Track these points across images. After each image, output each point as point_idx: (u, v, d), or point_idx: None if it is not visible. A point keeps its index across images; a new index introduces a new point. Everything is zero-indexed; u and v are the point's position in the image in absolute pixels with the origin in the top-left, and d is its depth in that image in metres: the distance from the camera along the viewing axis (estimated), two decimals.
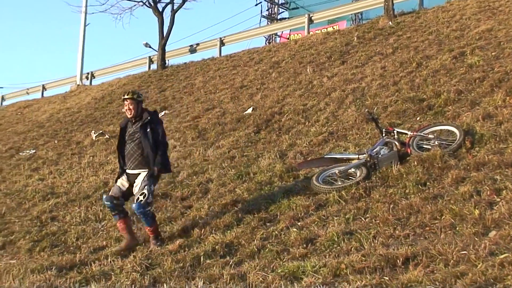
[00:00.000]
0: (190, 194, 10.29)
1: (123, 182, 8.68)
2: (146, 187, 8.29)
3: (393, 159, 8.91)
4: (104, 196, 8.74)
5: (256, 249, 7.35)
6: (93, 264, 7.91)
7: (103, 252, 8.53)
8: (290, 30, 31.19)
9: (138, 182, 8.45)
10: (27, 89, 37.07)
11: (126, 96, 8.74)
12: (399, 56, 14.85)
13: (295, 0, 41.50)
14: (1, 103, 37.49)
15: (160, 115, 17.86)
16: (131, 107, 8.61)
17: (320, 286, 5.70)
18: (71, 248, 9.12)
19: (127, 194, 8.68)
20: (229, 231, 8.15)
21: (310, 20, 24.65)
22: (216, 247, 7.68)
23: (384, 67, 14.39)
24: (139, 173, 8.49)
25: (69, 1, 52.12)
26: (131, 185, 8.59)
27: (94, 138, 17.19)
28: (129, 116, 8.74)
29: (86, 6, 31.01)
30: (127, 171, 8.66)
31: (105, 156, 14.82)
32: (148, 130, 8.57)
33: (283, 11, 45.30)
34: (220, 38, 26.93)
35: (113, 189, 8.79)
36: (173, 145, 13.93)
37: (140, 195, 8.24)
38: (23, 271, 7.67)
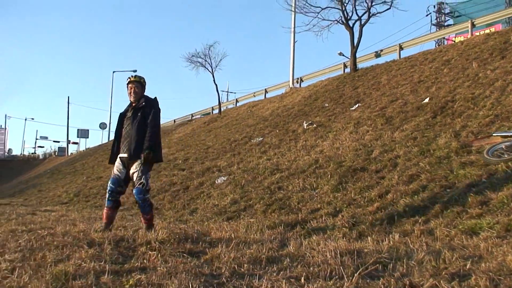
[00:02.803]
0: (382, 167, 10.12)
1: (119, 168, 7.10)
2: (143, 176, 6.84)
3: None
4: (111, 179, 7.14)
5: (439, 210, 7.14)
6: (311, 222, 8.11)
7: (318, 213, 8.68)
8: (455, 34, 29.67)
9: (134, 170, 6.92)
10: (254, 93, 38.51)
11: (132, 79, 7.20)
12: None
13: (458, 10, 39.97)
14: (236, 104, 39.33)
15: (354, 107, 17.82)
16: (137, 90, 7.14)
17: (495, 239, 5.43)
18: (294, 210, 9.29)
19: (127, 179, 7.10)
20: (416, 196, 7.96)
21: (473, 25, 23.87)
22: (406, 208, 7.57)
23: None
24: (133, 159, 6.96)
25: (283, 24, 53.85)
26: (126, 169, 7.07)
27: (305, 127, 17.41)
28: (132, 99, 7.20)
29: (294, 27, 31.68)
30: (120, 155, 7.13)
31: (314, 140, 14.97)
32: (139, 114, 7.03)
33: (449, 19, 43.79)
34: (399, 44, 26.39)
35: (116, 177, 7.14)
36: (366, 130, 13.81)
37: (139, 184, 6.83)
38: (261, 227, 7.98)
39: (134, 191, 6.91)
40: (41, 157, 72.72)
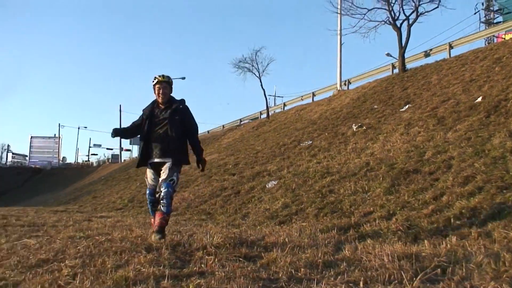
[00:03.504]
0: (436, 169, 9.93)
1: (152, 178, 6.92)
2: (175, 173, 6.65)
3: None
4: (148, 191, 6.98)
5: (496, 211, 6.97)
6: (365, 225, 8.03)
7: (371, 216, 8.58)
8: (505, 31, 28.89)
9: (165, 169, 6.65)
10: (301, 96, 38.48)
11: (161, 79, 6.85)
12: None
13: (508, 6, 39.03)
14: (283, 108, 39.37)
15: (404, 108, 17.58)
16: (166, 91, 6.86)
17: None
18: (346, 213, 9.23)
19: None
20: (472, 198, 7.78)
21: None
22: (463, 211, 7.40)
23: None
24: (165, 162, 6.71)
25: (329, 27, 53.88)
26: (158, 175, 6.82)
27: (354, 130, 17.29)
28: (161, 100, 6.89)
29: (340, 29, 31.45)
30: (154, 160, 6.83)
31: (364, 143, 14.83)
32: (177, 117, 6.77)
33: (498, 16, 43.07)
34: (449, 43, 25.98)
35: (152, 187, 6.94)
36: (418, 131, 13.58)
37: (169, 180, 6.56)
38: (313, 231, 7.96)
39: (163, 185, 6.55)
40: (95, 164, 74.64)
